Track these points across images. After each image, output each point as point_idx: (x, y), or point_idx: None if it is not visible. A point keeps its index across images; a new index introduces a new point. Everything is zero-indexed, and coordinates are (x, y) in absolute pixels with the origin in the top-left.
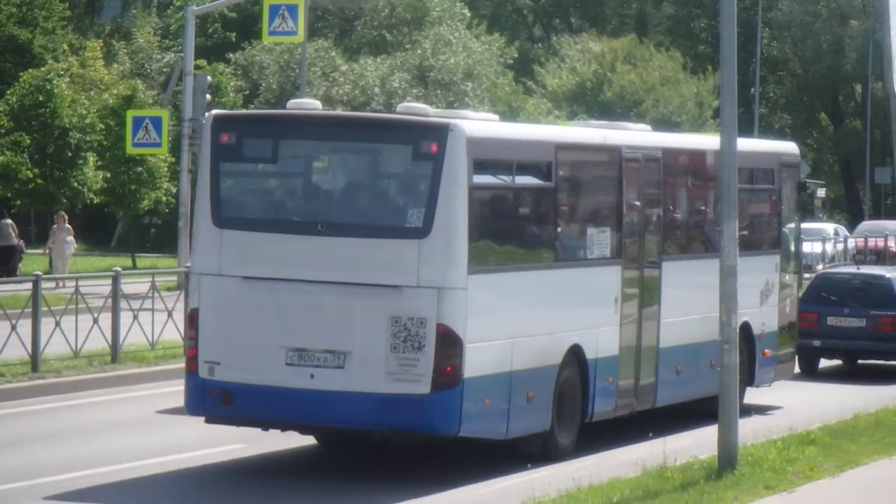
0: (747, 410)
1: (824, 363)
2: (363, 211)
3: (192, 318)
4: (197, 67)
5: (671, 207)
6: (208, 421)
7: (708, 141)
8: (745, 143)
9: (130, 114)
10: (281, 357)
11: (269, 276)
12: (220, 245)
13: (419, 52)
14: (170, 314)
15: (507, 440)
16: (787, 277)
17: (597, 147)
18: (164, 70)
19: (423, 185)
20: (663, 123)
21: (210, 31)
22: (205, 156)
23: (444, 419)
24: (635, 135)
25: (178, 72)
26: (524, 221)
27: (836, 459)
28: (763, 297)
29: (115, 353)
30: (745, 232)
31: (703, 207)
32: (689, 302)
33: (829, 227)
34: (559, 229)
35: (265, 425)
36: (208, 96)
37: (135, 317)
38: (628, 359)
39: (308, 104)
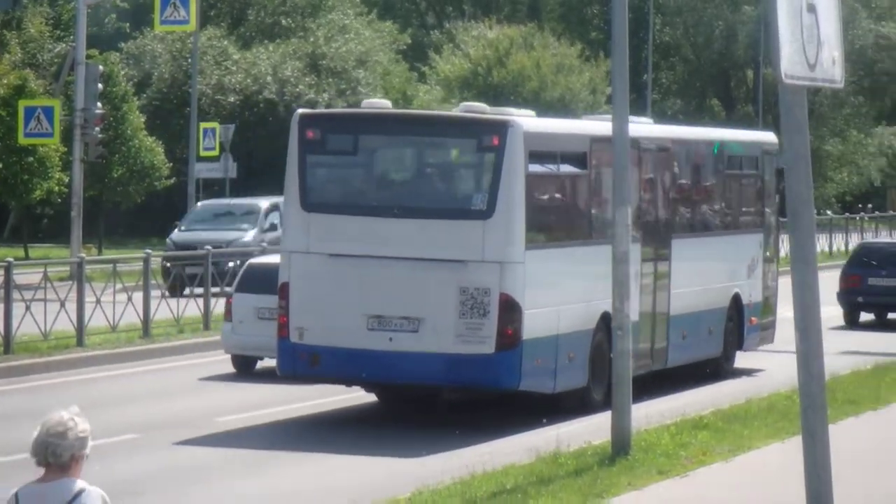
0: (737, 373)
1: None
2: (434, 196)
3: (283, 290)
4: (88, 57)
5: (678, 191)
6: (298, 380)
7: (711, 133)
8: (734, 134)
9: (22, 104)
10: (362, 323)
11: (351, 253)
12: (307, 227)
13: (312, 39)
14: (62, 304)
15: (553, 394)
16: (768, 254)
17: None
18: (56, 60)
19: (487, 173)
20: (556, 109)
21: (105, 20)
22: (292, 149)
23: (506, 375)
24: (650, 127)
25: (70, 62)
26: (567, 204)
27: (728, 444)
28: (749, 271)
29: (7, 345)
30: (736, 213)
31: (704, 191)
32: (693, 275)
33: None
34: (593, 211)
35: (347, 383)
36: (100, 86)
37: (27, 307)
38: (646, 325)
39: (380, 104)
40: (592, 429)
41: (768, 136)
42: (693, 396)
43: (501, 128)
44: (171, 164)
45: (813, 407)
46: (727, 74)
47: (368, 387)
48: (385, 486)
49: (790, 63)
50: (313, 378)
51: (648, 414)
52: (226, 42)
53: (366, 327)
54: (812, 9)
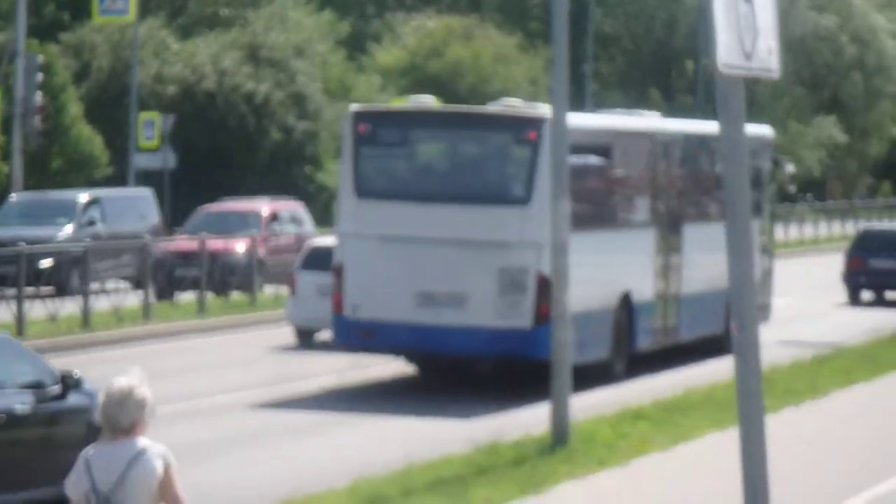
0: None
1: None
2: (476, 184)
3: (338, 270)
4: (28, 48)
5: (688, 181)
6: (351, 351)
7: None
8: None
9: None
10: (412, 300)
11: (401, 235)
12: (360, 212)
13: (250, 29)
14: None
15: (582, 364)
16: (765, 239)
17: (640, 133)
18: None
19: (524, 163)
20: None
21: (46, 10)
22: (346, 142)
23: (542, 347)
24: (664, 122)
25: (10, 52)
26: (595, 192)
27: (668, 434)
28: None
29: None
30: None
31: (710, 181)
32: (700, 258)
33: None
34: (616, 199)
35: (396, 353)
36: (40, 76)
37: None
38: (661, 304)
39: (426, 100)
40: (532, 419)
41: (765, 129)
42: (699, 370)
43: (538, 123)
44: (111, 154)
45: (749, 397)
46: (667, 65)
47: (414, 358)
48: (437, 445)
49: (726, 52)
50: (366, 350)
51: (588, 405)
52: (165, 32)
53: (415, 304)
54: None
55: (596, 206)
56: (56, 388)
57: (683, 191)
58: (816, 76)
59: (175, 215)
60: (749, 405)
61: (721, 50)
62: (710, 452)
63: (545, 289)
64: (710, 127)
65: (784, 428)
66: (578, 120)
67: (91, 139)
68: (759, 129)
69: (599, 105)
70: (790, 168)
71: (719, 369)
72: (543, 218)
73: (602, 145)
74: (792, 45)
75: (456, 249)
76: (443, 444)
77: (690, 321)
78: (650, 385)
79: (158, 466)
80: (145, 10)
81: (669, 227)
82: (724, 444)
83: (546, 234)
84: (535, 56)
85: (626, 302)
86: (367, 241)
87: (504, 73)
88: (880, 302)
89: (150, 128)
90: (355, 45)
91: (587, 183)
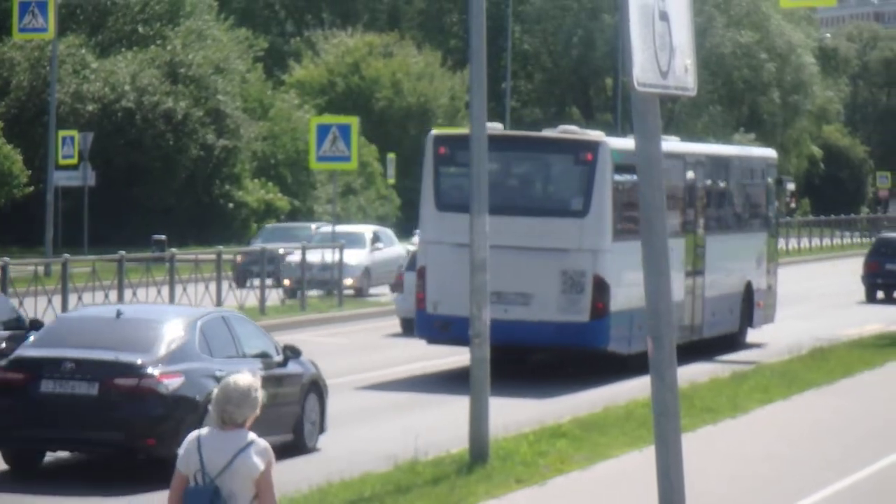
0: (748, 345)
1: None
2: (541, 199)
3: (421, 273)
4: None
5: (710, 197)
6: (430, 342)
7: (738, 149)
8: (744, 150)
9: None
10: None
11: None
12: (440, 223)
13: (169, 47)
14: None
15: (628, 355)
16: (771, 249)
17: (675, 154)
18: None
19: (582, 181)
20: (412, 116)
21: None
22: (427, 162)
23: (598, 339)
24: (692, 145)
25: None
26: (636, 207)
27: (586, 452)
28: (757, 263)
29: None
30: (749, 215)
31: (734, 197)
32: (720, 265)
33: (367, 230)
34: None
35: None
36: None
37: None
38: (688, 304)
39: (495, 126)
40: (451, 437)
41: (771, 152)
42: (707, 366)
43: (594, 146)
44: (30, 172)
45: (666, 414)
46: (586, 82)
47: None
48: (355, 464)
49: (643, 71)
50: (444, 341)
51: (507, 423)
52: (84, 50)
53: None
54: (665, 17)
55: (636, 218)
56: (279, 358)
57: (706, 205)
58: (734, 93)
59: (94, 233)
60: (665, 423)
61: (637, 68)
62: (628, 471)
63: (600, 288)
64: (725, 149)
65: (701, 446)
66: (627, 143)
67: (10, 157)
68: (764, 152)
69: (518, 122)
70: (791, 186)
71: (640, 386)
72: (599, 227)
73: None
74: (709, 62)
75: (522, 255)
76: (361, 463)
77: (711, 321)
78: (570, 402)
79: (260, 463)
80: (65, 28)
81: (695, 237)
82: (641, 463)
83: (602, 241)
84: (455, 73)
85: None
86: (445, 247)
87: (422, 89)
88: (892, 300)
89: (69, 145)
90: (274, 63)
91: (636, 197)
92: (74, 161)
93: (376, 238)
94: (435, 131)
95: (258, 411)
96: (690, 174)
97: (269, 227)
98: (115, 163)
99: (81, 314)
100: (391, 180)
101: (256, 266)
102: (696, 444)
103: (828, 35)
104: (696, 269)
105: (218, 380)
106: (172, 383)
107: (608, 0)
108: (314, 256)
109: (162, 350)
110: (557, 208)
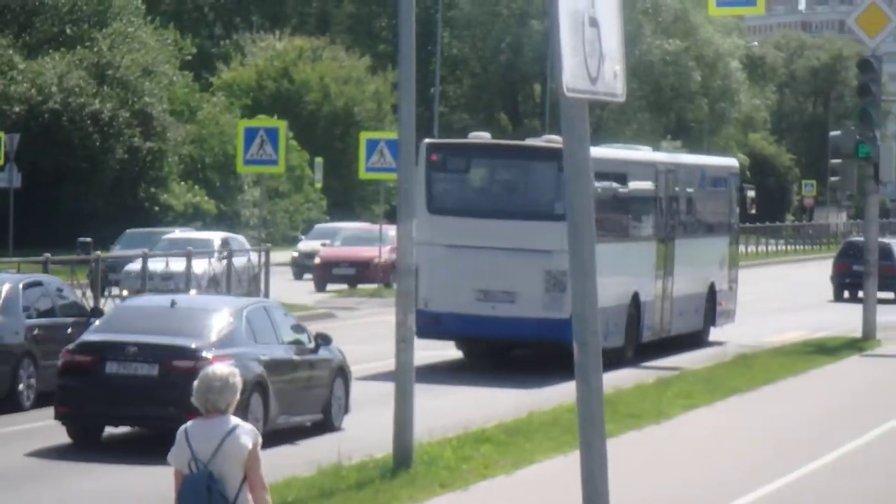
0: (710, 343)
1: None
2: (525, 203)
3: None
4: None
5: (679, 203)
6: (421, 336)
7: (704, 158)
8: (710, 160)
9: None
10: (472, 295)
11: (465, 244)
12: (431, 225)
13: (97, 49)
14: None
15: (604, 349)
16: (732, 253)
17: (646, 163)
18: None
19: (563, 187)
20: (340, 120)
21: None
22: (420, 168)
23: None
24: (662, 154)
25: None
26: (617, 212)
27: (511, 457)
28: (720, 265)
29: None
30: (712, 220)
31: (699, 203)
32: (686, 267)
33: (216, 237)
34: (629, 216)
35: (460, 339)
36: None
37: None
38: (659, 303)
39: (483, 136)
40: (376, 441)
41: (733, 161)
42: (681, 358)
43: None
44: None
45: (591, 420)
46: (515, 88)
47: (468, 344)
48: (280, 468)
49: (572, 76)
50: (435, 335)
51: (432, 428)
52: (11, 51)
53: (475, 299)
54: (594, 23)
55: (615, 221)
56: (311, 345)
57: (675, 211)
58: (662, 100)
59: (20, 234)
60: (590, 428)
61: (567, 74)
62: (553, 476)
63: None
64: (693, 159)
65: (626, 451)
66: (602, 152)
67: None
68: (728, 161)
69: (447, 128)
70: (751, 194)
71: (566, 391)
72: None
73: (619, 173)
74: (638, 69)
75: (508, 255)
76: (286, 467)
77: (678, 319)
78: (494, 407)
79: (248, 442)
80: None
81: (665, 241)
82: (566, 468)
83: None
84: (383, 77)
85: (635, 300)
86: (436, 248)
87: (349, 93)
88: (857, 300)
89: None
90: (203, 65)
91: (610, 202)
92: (0, 163)
93: (226, 245)
94: (428, 140)
95: (238, 396)
96: (662, 182)
97: (129, 232)
98: (41, 164)
99: (139, 303)
100: (318, 185)
101: (114, 273)
102: (621, 450)
103: (755, 43)
104: (665, 271)
105: (261, 363)
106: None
107: (537, 6)
108: (157, 265)
109: (213, 336)
110: (540, 212)
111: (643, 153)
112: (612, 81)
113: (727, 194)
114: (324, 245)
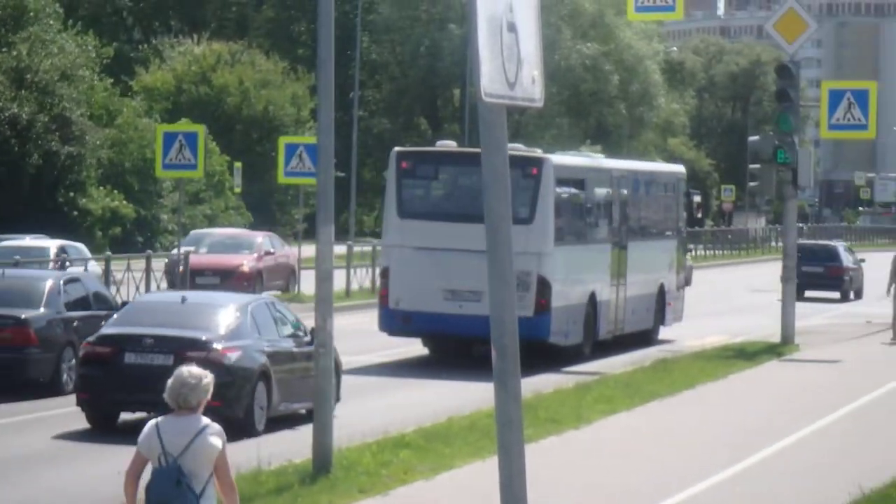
0: (660, 342)
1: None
2: None
3: (385, 273)
4: None
5: (631, 207)
6: (392, 335)
7: (655, 165)
8: (660, 166)
9: None
10: (440, 295)
11: (433, 246)
12: (401, 228)
13: (14, 53)
14: None
15: (565, 346)
16: (681, 255)
17: (604, 170)
18: None
19: (529, 193)
20: (259, 123)
21: None
22: (391, 175)
23: (541, 331)
24: (617, 162)
25: None
26: (577, 216)
27: (430, 462)
28: (669, 267)
29: None
30: (662, 224)
31: (650, 208)
32: (639, 269)
33: (52, 245)
34: (590, 220)
35: (429, 336)
36: None
37: None
38: (613, 302)
39: (450, 144)
40: (295, 447)
41: (680, 167)
42: (629, 356)
43: (539, 162)
44: None
45: (509, 425)
46: (434, 93)
47: (434, 340)
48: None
49: (490, 81)
50: (405, 333)
51: (351, 433)
52: None
53: (443, 298)
54: (512, 28)
55: (578, 225)
56: (307, 338)
57: (628, 215)
58: (581, 105)
59: None
60: (509, 433)
61: (485, 79)
62: (471, 481)
63: (543, 287)
64: (644, 165)
65: (545, 457)
66: (567, 160)
67: None
68: (674, 168)
69: (366, 133)
70: (697, 199)
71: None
72: (543, 233)
73: (578, 179)
74: (557, 74)
75: (476, 257)
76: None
77: (630, 318)
78: (412, 411)
79: (218, 443)
80: None
81: (620, 244)
82: (485, 473)
83: (544, 245)
84: (301, 81)
85: (592, 299)
86: (406, 250)
87: (267, 96)
88: (804, 298)
89: None
90: (122, 70)
91: (573, 207)
92: None
93: (62, 253)
94: (398, 148)
95: (208, 397)
96: (616, 188)
97: None
98: None
99: (152, 299)
100: (238, 189)
101: None
102: (540, 455)
103: (674, 48)
104: (620, 272)
105: (266, 354)
106: (233, 356)
107: (456, 11)
108: None
109: (222, 329)
110: None
111: (600, 160)
112: (531, 86)
113: (676, 200)
114: (186, 252)
